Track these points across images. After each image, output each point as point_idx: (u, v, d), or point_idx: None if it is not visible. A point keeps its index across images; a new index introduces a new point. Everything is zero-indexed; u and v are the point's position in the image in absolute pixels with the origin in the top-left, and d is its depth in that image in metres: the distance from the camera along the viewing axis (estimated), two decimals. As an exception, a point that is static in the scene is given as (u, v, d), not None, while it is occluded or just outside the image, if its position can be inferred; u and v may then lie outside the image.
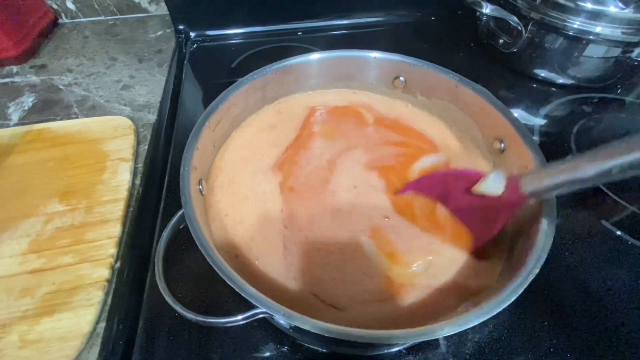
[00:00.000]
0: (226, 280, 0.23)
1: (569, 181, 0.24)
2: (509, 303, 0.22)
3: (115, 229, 0.39)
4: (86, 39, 0.70)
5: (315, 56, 0.41)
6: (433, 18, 0.78)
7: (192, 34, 0.70)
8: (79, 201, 0.41)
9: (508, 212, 0.28)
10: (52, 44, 0.68)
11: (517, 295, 0.23)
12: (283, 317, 0.22)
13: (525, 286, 0.23)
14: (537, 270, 0.24)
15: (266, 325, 0.33)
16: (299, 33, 0.72)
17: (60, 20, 0.73)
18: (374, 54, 0.42)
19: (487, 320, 0.34)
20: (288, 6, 0.71)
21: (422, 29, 0.75)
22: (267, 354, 0.32)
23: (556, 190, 0.26)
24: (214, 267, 0.24)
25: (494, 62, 0.67)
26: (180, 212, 0.28)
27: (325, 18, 0.73)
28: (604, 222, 0.42)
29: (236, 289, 0.23)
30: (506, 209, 0.28)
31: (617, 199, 0.43)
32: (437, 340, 0.33)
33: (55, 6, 0.71)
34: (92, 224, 0.39)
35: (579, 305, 0.35)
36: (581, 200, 0.44)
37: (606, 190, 0.44)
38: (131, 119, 0.52)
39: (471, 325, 0.22)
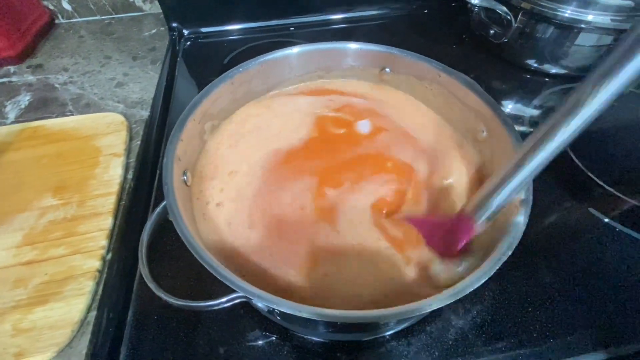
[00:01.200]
0: (204, 265, 0.24)
1: (508, 194, 0.24)
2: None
3: (106, 222, 0.40)
4: (82, 38, 0.71)
5: (296, 49, 0.42)
6: (426, 11, 0.78)
7: (186, 32, 0.70)
8: (72, 195, 0.42)
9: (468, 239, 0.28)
10: (49, 44, 0.69)
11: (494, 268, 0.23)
12: (259, 300, 0.22)
13: (499, 264, 0.23)
14: (510, 252, 0.24)
15: (252, 312, 0.34)
16: (292, 28, 0.72)
17: (57, 21, 0.74)
18: (356, 45, 0.42)
19: (471, 306, 0.35)
20: (282, 2, 0.71)
21: (416, 22, 0.75)
22: (259, 342, 0.32)
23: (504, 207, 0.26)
24: (193, 253, 0.24)
25: (486, 54, 0.67)
26: (163, 203, 0.29)
27: (317, 13, 0.73)
28: (591, 210, 0.42)
29: (213, 273, 0.23)
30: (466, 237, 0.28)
31: (606, 186, 0.43)
32: (421, 326, 0.34)
33: (51, 7, 0.72)
34: (84, 217, 0.40)
35: (561, 287, 0.35)
36: (568, 188, 0.44)
37: (595, 179, 0.44)
38: (124, 115, 0.52)
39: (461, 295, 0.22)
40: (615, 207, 0.42)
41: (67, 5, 0.73)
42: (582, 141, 0.41)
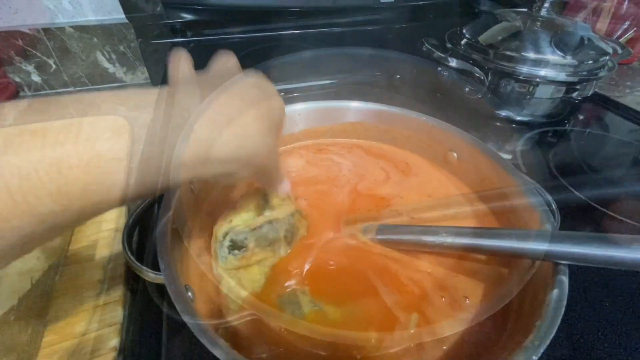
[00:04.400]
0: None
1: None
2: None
3: (114, 314, 0.32)
4: (53, 110, 0.65)
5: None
6: (398, 76, 0.87)
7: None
8: (64, 285, 0.34)
9: None
10: (12, 117, 0.62)
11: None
12: None
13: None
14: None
15: None
16: (282, 94, 0.75)
17: (22, 93, 0.68)
18: (356, 104, 0.45)
19: None
20: (265, 70, 0.75)
21: (391, 84, 0.83)
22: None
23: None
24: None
25: (460, 107, 0.75)
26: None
27: (291, 81, 0.78)
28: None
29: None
30: None
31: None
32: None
33: (18, 79, 0.67)
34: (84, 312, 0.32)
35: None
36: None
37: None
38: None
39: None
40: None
41: (36, 78, 0.68)
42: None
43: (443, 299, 0.29)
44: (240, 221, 0.30)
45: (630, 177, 0.58)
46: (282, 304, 0.28)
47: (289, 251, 0.32)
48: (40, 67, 0.67)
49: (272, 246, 0.31)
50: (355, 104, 0.44)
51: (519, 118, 0.70)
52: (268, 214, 0.31)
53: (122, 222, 0.41)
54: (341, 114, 0.44)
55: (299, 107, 0.43)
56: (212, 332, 0.20)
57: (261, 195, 0.32)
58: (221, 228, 0.30)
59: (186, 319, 0.20)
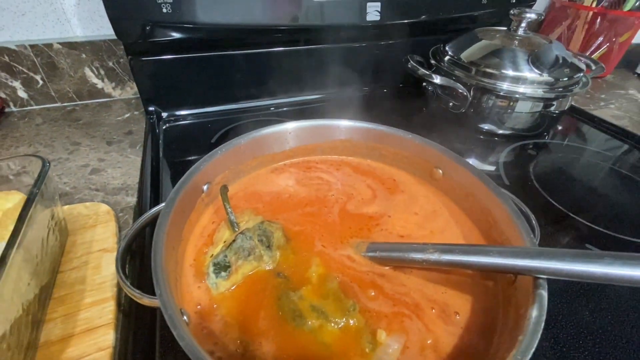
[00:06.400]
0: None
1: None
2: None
3: (107, 337, 0.32)
4: (39, 126, 0.64)
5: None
6: (385, 90, 0.89)
7: (164, 114, 0.69)
8: (54, 309, 0.33)
9: None
10: (-2, 134, 0.61)
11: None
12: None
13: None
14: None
15: None
16: (272, 108, 0.76)
17: (7, 109, 0.67)
18: (345, 123, 0.46)
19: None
20: (256, 86, 0.76)
21: (376, 98, 0.85)
22: None
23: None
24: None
25: (444, 122, 0.77)
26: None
27: (294, 94, 0.79)
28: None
29: None
30: None
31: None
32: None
33: (3, 95, 0.66)
34: (75, 336, 0.31)
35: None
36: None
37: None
38: (107, 204, 0.46)
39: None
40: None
41: (22, 94, 0.67)
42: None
43: (433, 310, 0.30)
44: (217, 250, 0.32)
45: (606, 188, 0.61)
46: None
47: (277, 256, 0.34)
48: (27, 83, 0.67)
49: (253, 254, 0.32)
50: (344, 123, 0.46)
51: (500, 131, 0.73)
52: (238, 230, 0.34)
53: (111, 242, 0.41)
54: (331, 132, 0.46)
55: (290, 125, 0.44)
56: (208, 356, 0.20)
57: (228, 225, 0.35)
58: (205, 264, 0.32)
59: (182, 344, 0.21)
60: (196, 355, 0.20)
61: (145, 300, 0.26)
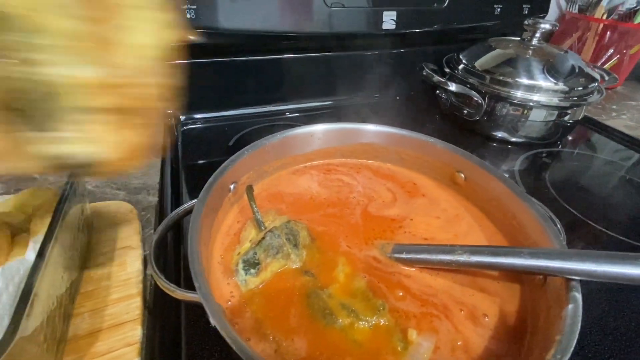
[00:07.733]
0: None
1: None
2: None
3: (134, 333, 0.32)
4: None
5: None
6: (398, 97, 0.90)
7: (182, 117, 0.70)
8: (82, 304, 0.34)
9: None
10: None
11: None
12: None
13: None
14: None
15: None
16: (287, 113, 0.77)
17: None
18: (371, 127, 0.47)
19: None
20: (272, 90, 0.77)
21: (393, 106, 0.86)
22: None
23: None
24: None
25: (458, 129, 0.78)
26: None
27: (309, 99, 0.80)
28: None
29: None
30: None
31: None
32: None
33: None
34: (103, 331, 0.32)
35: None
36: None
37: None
38: (129, 202, 0.47)
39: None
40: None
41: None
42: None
43: (462, 312, 0.30)
44: (245, 248, 0.33)
45: (621, 196, 0.61)
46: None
47: (304, 254, 0.34)
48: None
49: (281, 252, 0.33)
50: (370, 126, 0.46)
51: (514, 139, 0.73)
52: (265, 229, 0.34)
53: (135, 240, 0.41)
54: (355, 135, 0.46)
55: (319, 128, 0.45)
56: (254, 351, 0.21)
57: (253, 224, 0.35)
58: (233, 261, 0.33)
59: (229, 340, 0.21)
60: (242, 349, 0.20)
61: (178, 294, 0.26)
